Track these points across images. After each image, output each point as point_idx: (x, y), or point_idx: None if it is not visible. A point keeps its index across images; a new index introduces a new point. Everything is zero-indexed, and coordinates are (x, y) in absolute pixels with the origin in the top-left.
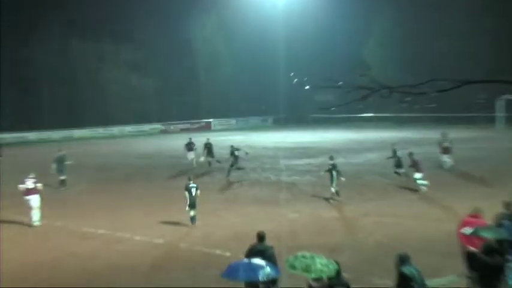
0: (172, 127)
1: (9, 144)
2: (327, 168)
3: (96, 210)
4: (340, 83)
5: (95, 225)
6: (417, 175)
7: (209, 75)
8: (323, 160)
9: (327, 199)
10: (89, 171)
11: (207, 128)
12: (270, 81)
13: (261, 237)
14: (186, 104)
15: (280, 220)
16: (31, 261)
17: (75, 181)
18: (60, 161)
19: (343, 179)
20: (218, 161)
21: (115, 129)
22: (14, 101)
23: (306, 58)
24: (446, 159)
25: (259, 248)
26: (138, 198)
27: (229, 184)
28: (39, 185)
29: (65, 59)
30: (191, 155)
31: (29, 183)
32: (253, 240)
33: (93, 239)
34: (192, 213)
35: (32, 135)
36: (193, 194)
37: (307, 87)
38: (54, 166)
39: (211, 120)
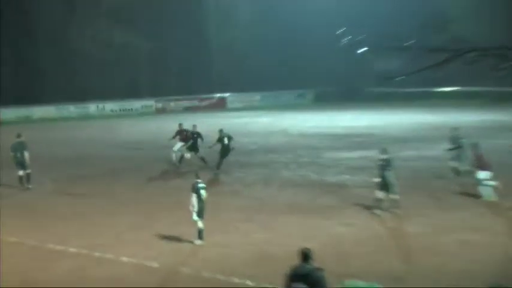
0: (172, 104)
1: None
2: (378, 166)
3: (67, 219)
4: (411, 42)
5: (66, 240)
6: (481, 174)
7: (223, 34)
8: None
9: (382, 210)
10: (56, 166)
11: (221, 105)
12: (309, 42)
13: (305, 255)
14: (191, 73)
15: (323, 236)
16: None
17: (37, 179)
18: (18, 149)
19: (395, 182)
20: (203, 159)
21: (91, 107)
22: None
23: (361, 10)
24: None
25: (303, 271)
26: (124, 203)
27: (251, 185)
28: None
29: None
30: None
31: None
32: (284, 263)
33: (63, 260)
34: (200, 224)
35: None
36: (203, 197)
37: (362, 49)
38: (12, 156)
39: (226, 95)
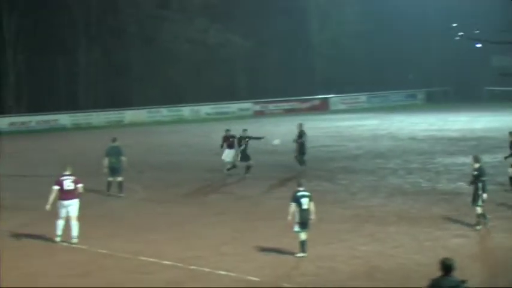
0: (271, 107)
1: (33, 132)
2: (472, 177)
3: (160, 229)
4: None
5: (159, 252)
6: None
7: (325, 32)
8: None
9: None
10: (147, 172)
11: (323, 107)
12: (419, 38)
13: (448, 267)
14: (292, 74)
15: (437, 248)
16: None
17: (128, 186)
18: (114, 154)
19: (485, 195)
20: (248, 168)
21: (185, 110)
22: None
23: (475, 1)
24: None
25: (449, 285)
26: (219, 212)
27: (357, 193)
28: (79, 186)
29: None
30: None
31: (67, 183)
32: (394, 277)
33: (157, 274)
34: (303, 236)
35: (62, 119)
36: (305, 206)
37: (479, 44)
38: (106, 162)
39: (329, 96)
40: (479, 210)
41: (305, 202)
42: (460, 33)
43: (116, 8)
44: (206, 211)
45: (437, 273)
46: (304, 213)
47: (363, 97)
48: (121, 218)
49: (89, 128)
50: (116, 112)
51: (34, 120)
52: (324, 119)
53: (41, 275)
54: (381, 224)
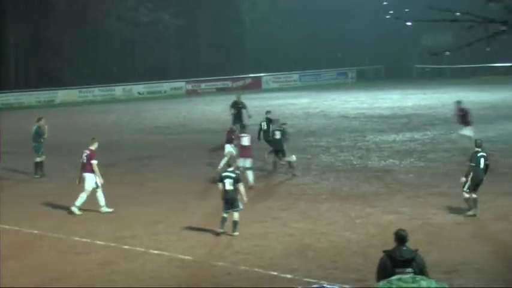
0: (203, 86)
1: None
2: (471, 158)
3: (94, 210)
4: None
5: (92, 232)
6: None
7: (257, 9)
8: (435, 135)
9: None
10: (79, 153)
11: (256, 86)
12: (350, 16)
13: (402, 238)
14: (223, 52)
15: (369, 225)
16: None
17: (60, 166)
18: (36, 134)
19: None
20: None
21: (117, 90)
22: None
23: None
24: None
25: (408, 255)
26: (154, 192)
27: (287, 172)
28: (94, 162)
29: None
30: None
31: (82, 156)
32: (326, 254)
33: (90, 254)
34: (224, 215)
35: None
36: (228, 187)
37: (408, 23)
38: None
39: (261, 75)
40: (467, 195)
41: (228, 182)
42: (389, 12)
43: None
44: (140, 191)
45: (369, 249)
46: (227, 194)
47: (295, 76)
48: (53, 198)
49: (20, 108)
50: (47, 92)
51: None
52: (256, 97)
53: None
54: (313, 201)
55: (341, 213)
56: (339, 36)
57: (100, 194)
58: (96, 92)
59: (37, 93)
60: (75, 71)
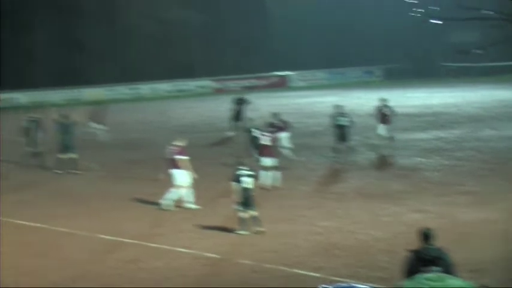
0: (230, 84)
1: None
2: None
3: (121, 207)
4: (490, 12)
5: (120, 230)
6: None
7: (284, 8)
8: (461, 133)
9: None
10: (105, 150)
11: (282, 84)
12: (378, 14)
13: (427, 236)
14: (249, 50)
15: (395, 224)
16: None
17: (86, 163)
18: (66, 131)
19: None
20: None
21: (144, 88)
22: None
23: None
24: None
25: (434, 254)
26: None
27: (316, 169)
28: (183, 158)
29: None
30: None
31: (174, 153)
32: (352, 253)
33: (118, 252)
34: (243, 214)
35: (22, 97)
36: (246, 185)
37: (437, 21)
38: (58, 139)
39: (287, 73)
40: None
41: (247, 181)
42: (417, 10)
43: None
44: (165, 189)
45: (395, 247)
46: (246, 192)
47: (321, 74)
48: (80, 196)
49: (46, 106)
50: (74, 90)
51: None
52: (282, 96)
53: None
54: (340, 200)
55: (367, 211)
56: (366, 34)
57: (188, 191)
58: (122, 90)
59: (63, 92)
60: (102, 69)
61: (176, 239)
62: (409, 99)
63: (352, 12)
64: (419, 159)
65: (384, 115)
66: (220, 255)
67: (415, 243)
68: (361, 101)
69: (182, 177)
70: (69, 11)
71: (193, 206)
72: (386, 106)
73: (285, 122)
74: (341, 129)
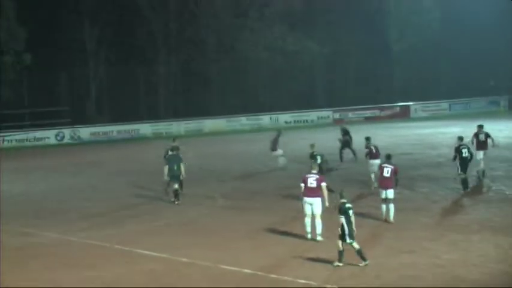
0: (350, 115)
1: (114, 141)
2: None
3: (241, 237)
4: None
5: (239, 261)
6: None
7: (405, 39)
8: None
9: None
10: (227, 181)
11: (404, 115)
12: (503, 43)
13: None
14: (371, 81)
15: None
16: None
17: (208, 194)
18: (174, 162)
19: None
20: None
21: (264, 119)
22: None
23: None
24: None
25: None
26: (295, 218)
27: (439, 201)
28: (323, 185)
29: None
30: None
31: (310, 180)
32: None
33: (237, 283)
34: (340, 247)
35: (143, 128)
36: (351, 218)
37: None
38: (166, 170)
39: (410, 103)
40: None
41: (351, 213)
42: None
43: (194, 19)
44: (286, 219)
45: None
46: (351, 225)
47: (444, 104)
48: (201, 226)
49: (169, 137)
50: (196, 121)
51: (115, 129)
52: (404, 126)
53: (122, 283)
54: (463, 232)
55: (493, 244)
56: (490, 63)
57: (319, 221)
58: (243, 121)
59: (185, 123)
60: (223, 101)
61: (296, 270)
62: None
63: (475, 41)
64: None
65: (480, 142)
66: (340, 285)
67: None
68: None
69: (320, 205)
70: (193, 46)
71: (320, 238)
72: (483, 132)
73: (377, 148)
74: (463, 160)
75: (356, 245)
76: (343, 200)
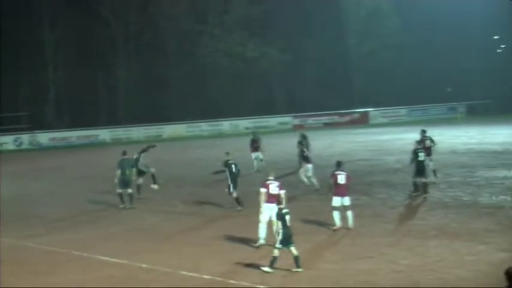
0: (310, 120)
1: (73, 147)
2: None
3: (201, 243)
4: None
5: (199, 267)
6: None
7: (364, 45)
8: None
9: None
10: (185, 187)
11: (363, 121)
12: (460, 50)
13: None
14: (330, 87)
15: (481, 263)
16: None
17: (167, 201)
18: (125, 166)
19: None
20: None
21: (224, 124)
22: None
23: None
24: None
25: None
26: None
27: (396, 207)
28: (282, 192)
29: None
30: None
31: (272, 187)
32: None
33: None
34: (276, 253)
35: (102, 134)
36: (288, 223)
37: None
38: (118, 174)
39: (369, 109)
40: None
41: (288, 219)
42: (502, 46)
43: (154, 23)
44: (245, 225)
45: None
46: (287, 230)
47: (403, 110)
48: (160, 232)
49: (129, 142)
50: (156, 127)
51: (74, 135)
52: (363, 132)
53: None
54: (421, 237)
55: (451, 250)
56: (447, 70)
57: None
58: (203, 127)
59: (145, 128)
60: (183, 107)
61: (254, 276)
62: (493, 135)
63: (434, 48)
64: (504, 197)
65: (427, 148)
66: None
67: (501, 283)
68: (443, 138)
69: (269, 212)
70: (152, 49)
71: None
72: (427, 138)
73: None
74: (419, 163)
75: (294, 251)
76: (281, 206)
